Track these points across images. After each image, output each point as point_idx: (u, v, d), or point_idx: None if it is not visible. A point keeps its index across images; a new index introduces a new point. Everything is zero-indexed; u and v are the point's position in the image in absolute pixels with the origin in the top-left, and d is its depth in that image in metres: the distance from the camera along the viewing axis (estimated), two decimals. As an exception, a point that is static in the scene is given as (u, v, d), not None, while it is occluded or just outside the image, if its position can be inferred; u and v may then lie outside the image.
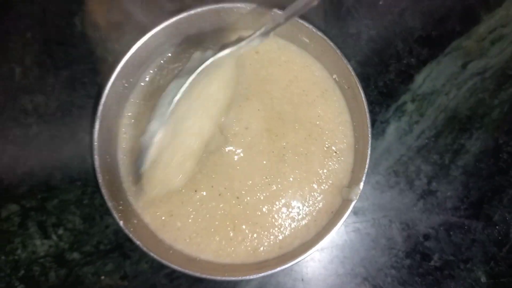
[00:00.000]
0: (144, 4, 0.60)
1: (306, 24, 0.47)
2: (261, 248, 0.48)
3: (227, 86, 0.47)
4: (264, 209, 0.48)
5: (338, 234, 0.56)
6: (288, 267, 0.52)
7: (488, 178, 0.57)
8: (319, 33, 0.47)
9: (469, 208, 0.56)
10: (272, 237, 0.48)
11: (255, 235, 0.48)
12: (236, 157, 0.49)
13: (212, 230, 0.47)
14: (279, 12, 0.44)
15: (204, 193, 0.48)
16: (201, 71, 0.43)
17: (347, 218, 0.55)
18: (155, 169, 0.43)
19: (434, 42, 0.59)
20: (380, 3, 0.60)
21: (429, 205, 0.56)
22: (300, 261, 0.43)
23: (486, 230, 0.56)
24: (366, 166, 0.44)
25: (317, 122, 0.50)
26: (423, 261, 0.55)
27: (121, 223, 0.43)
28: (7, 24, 0.59)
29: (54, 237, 0.55)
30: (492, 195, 0.56)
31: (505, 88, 0.58)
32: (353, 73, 0.46)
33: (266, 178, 0.49)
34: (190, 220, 0.48)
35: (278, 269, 0.43)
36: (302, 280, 0.55)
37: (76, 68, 0.59)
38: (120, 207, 0.45)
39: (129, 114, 0.51)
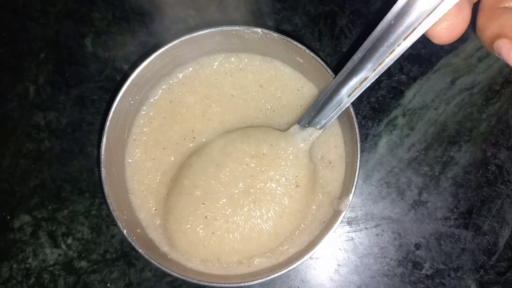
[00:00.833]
0: (150, 27, 0.63)
1: (299, 45, 0.50)
2: (256, 261, 0.50)
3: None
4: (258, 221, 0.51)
5: (332, 243, 0.58)
6: (285, 276, 0.55)
7: (477, 189, 0.59)
8: (312, 54, 0.49)
9: (459, 218, 0.58)
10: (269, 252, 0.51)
11: (250, 246, 0.50)
12: (228, 169, 0.50)
13: (211, 241, 0.50)
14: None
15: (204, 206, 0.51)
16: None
17: (341, 227, 0.58)
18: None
19: (423, 60, 0.62)
20: (372, 23, 0.63)
21: (420, 215, 0.58)
22: (292, 269, 0.45)
23: (475, 239, 0.58)
24: (356, 180, 0.46)
25: None
26: (415, 269, 0.57)
27: (124, 231, 0.46)
28: (22, 46, 0.63)
29: (63, 246, 0.58)
30: (481, 206, 0.58)
31: (493, 102, 0.60)
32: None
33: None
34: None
35: (271, 276, 0.45)
36: None
37: (86, 87, 0.62)
38: (125, 217, 0.48)
39: (137, 130, 0.53)
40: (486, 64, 0.61)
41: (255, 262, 0.50)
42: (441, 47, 0.62)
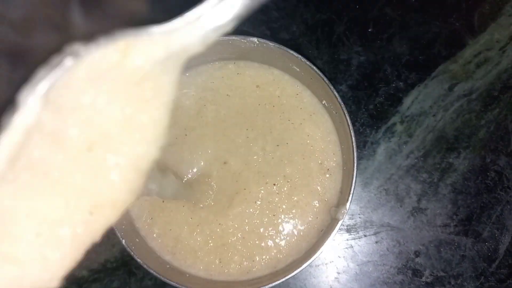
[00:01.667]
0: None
1: (295, 54, 0.50)
2: (255, 268, 0.50)
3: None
4: (261, 230, 0.51)
5: (332, 251, 0.58)
6: (284, 284, 0.54)
7: (476, 196, 0.58)
8: (308, 63, 0.50)
9: (458, 225, 0.58)
10: (267, 256, 0.51)
11: (249, 254, 0.50)
12: (230, 176, 0.52)
13: (208, 249, 0.50)
14: None
15: (202, 215, 0.51)
16: None
17: (340, 235, 0.58)
18: None
19: (421, 66, 0.62)
20: (370, 30, 0.64)
21: (419, 222, 0.58)
22: (291, 277, 0.45)
23: (475, 246, 0.57)
24: (352, 188, 0.46)
25: (308, 141, 0.53)
26: (415, 277, 0.57)
27: (123, 241, 0.46)
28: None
29: (64, 255, 0.58)
30: (480, 212, 0.58)
31: (491, 108, 0.60)
32: (339, 99, 0.49)
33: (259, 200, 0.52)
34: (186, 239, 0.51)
35: (271, 284, 0.45)
36: (298, 295, 0.57)
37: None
38: (123, 226, 0.48)
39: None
40: (484, 70, 0.61)
41: (254, 269, 0.50)
42: (439, 53, 0.62)
